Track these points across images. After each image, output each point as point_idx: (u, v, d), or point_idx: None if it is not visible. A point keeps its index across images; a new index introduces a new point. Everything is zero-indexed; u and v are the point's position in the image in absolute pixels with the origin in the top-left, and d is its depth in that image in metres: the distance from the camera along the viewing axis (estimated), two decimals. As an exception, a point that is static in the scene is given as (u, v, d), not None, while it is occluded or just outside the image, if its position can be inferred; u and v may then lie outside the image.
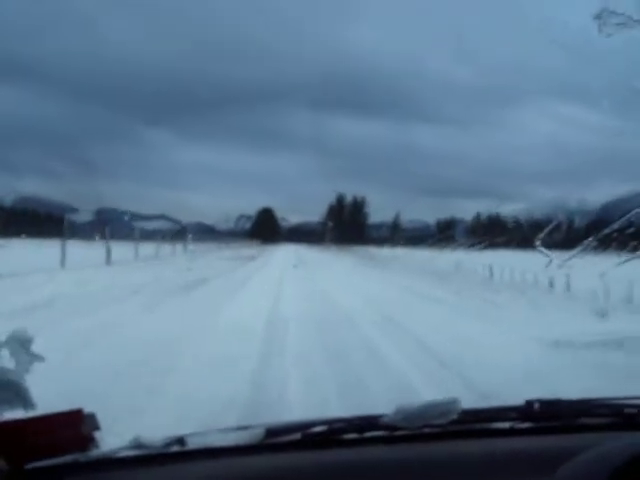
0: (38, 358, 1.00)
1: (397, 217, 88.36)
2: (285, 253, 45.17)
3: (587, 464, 0.79)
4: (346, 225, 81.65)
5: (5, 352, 0.99)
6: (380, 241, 57.37)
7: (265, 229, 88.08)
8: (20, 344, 0.99)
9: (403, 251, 35.93)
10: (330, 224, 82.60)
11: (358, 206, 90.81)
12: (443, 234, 33.61)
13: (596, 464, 0.77)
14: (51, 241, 20.70)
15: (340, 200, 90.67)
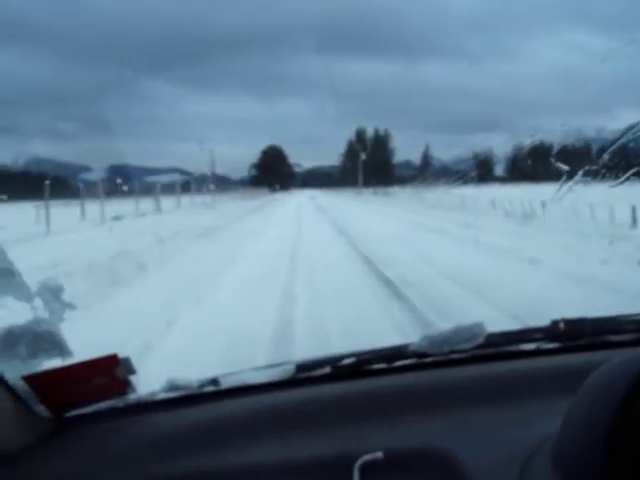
0: (70, 306, 1.02)
1: (427, 152, 68.74)
2: (299, 209, 29.13)
3: (612, 370, 0.79)
4: (371, 164, 66.22)
5: (38, 302, 1.00)
6: (406, 182, 51.13)
7: (274, 173, 65.84)
8: (52, 293, 1.00)
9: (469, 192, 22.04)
10: (362, 156, 61.81)
11: (382, 141, 72.89)
12: (482, 170, 30.89)
13: (621, 368, 0.77)
14: (72, 201, 20.65)
15: (360, 135, 72.57)
